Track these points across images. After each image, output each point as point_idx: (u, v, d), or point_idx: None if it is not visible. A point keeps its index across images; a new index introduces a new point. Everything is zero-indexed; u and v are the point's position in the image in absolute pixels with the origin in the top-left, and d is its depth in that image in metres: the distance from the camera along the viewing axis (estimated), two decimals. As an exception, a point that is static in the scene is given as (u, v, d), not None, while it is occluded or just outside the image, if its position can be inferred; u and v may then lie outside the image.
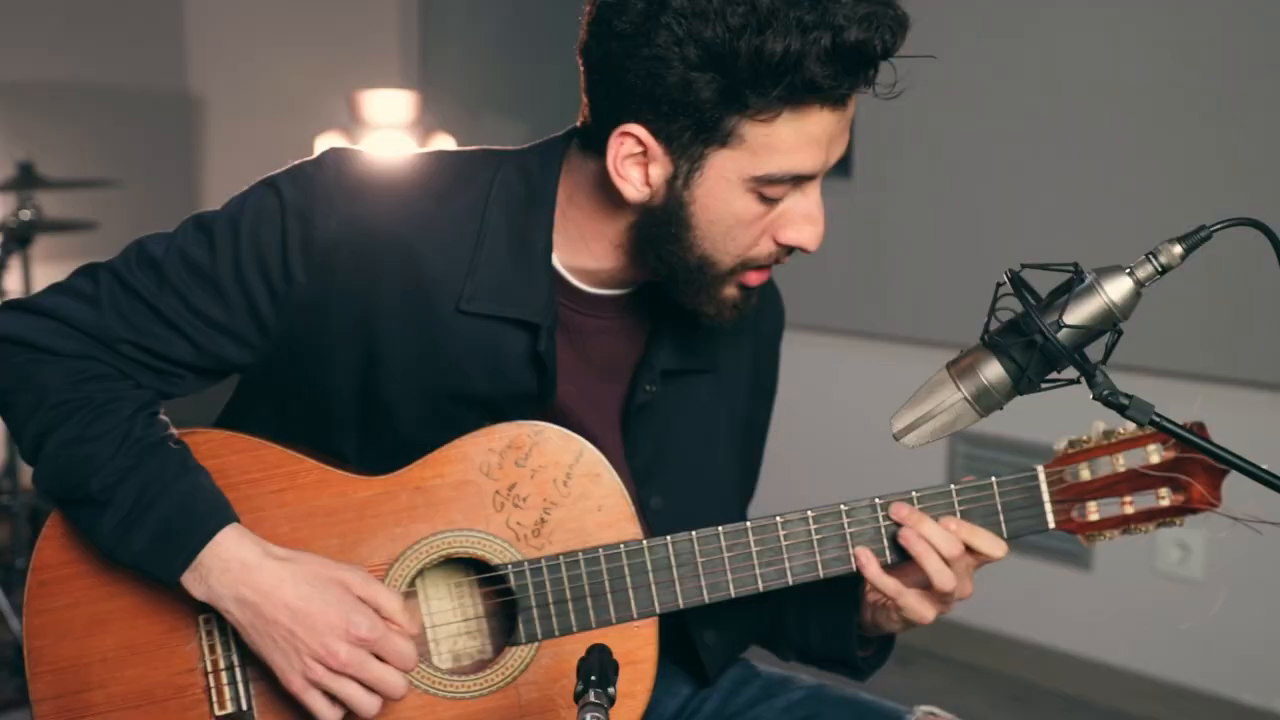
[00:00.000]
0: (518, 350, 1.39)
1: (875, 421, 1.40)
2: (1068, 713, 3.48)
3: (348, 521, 1.38)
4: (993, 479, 1.43)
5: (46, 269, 4.51)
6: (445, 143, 4.38)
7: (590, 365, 1.45)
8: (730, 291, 1.36)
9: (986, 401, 1.31)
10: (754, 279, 1.37)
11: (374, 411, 1.41)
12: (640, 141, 1.29)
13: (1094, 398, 1.27)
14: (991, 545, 1.39)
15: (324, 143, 4.39)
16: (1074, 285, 1.28)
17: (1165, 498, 1.42)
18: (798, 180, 1.30)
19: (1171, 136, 3.23)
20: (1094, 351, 1.30)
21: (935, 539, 1.38)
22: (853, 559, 1.40)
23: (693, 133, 1.27)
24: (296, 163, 1.41)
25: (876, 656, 1.56)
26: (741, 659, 1.64)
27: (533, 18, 5.05)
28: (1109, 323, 1.26)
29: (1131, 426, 1.42)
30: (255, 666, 1.37)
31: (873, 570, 1.39)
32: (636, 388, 1.46)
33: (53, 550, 1.39)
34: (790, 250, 1.35)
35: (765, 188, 1.29)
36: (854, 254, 3.84)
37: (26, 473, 4.48)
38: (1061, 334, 1.26)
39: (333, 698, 1.32)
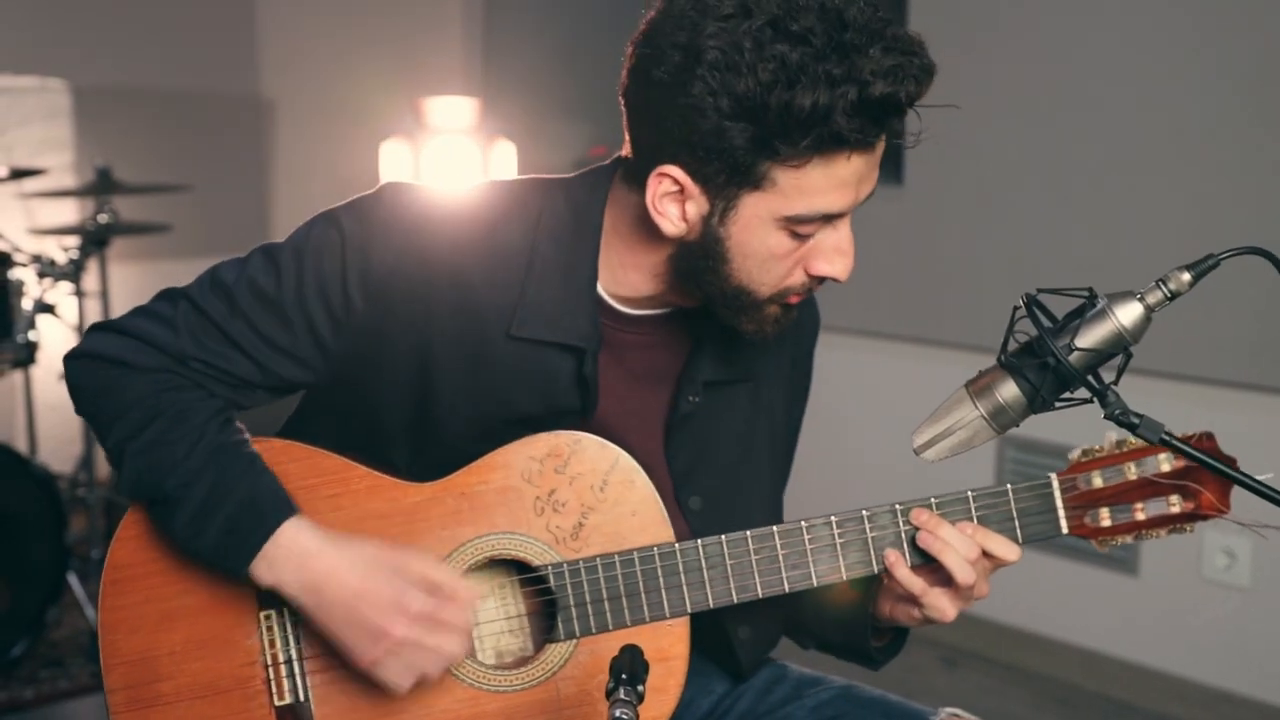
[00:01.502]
0: (564, 373, 1.48)
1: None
2: (1112, 717, 3.50)
3: (398, 525, 1.46)
4: (1008, 486, 1.49)
5: (122, 269, 4.69)
6: (506, 148, 4.48)
7: (633, 378, 1.53)
8: (771, 310, 1.44)
9: (1003, 420, 1.37)
10: (794, 300, 1.44)
11: (425, 429, 1.49)
12: (677, 181, 1.36)
13: (1105, 417, 1.32)
14: (1005, 549, 1.46)
15: (389, 148, 4.50)
16: (1086, 310, 1.33)
17: (1176, 504, 1.48)
18: (828, 218, 1.37)
19: (1222, 149, 3.24)
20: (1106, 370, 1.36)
21: (954, 542, 1.45)
22: (874, 562, 1.47)
23: (726, 175, 1.33)
24: (355, 197, 1.50)
25: (890, 647, 1.62)
26: (774, 660, 1.71)
27: (593, 25, 5.11)
28: (1119, 346, 1.32)
29: None
30: (314, 659, 1.46)
31: (902, 571, 1.46)
32: (680, 398, 1.53)
33: (126, 551, 1.48)
34: (822, 280, 1.42)
35: (797, 226, 1.36)
36: (905, 260, 3.88)
37: (102, 467, 4.66)
38: (1074, 356, 1.31)
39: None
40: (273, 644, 1.47)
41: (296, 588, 1.40)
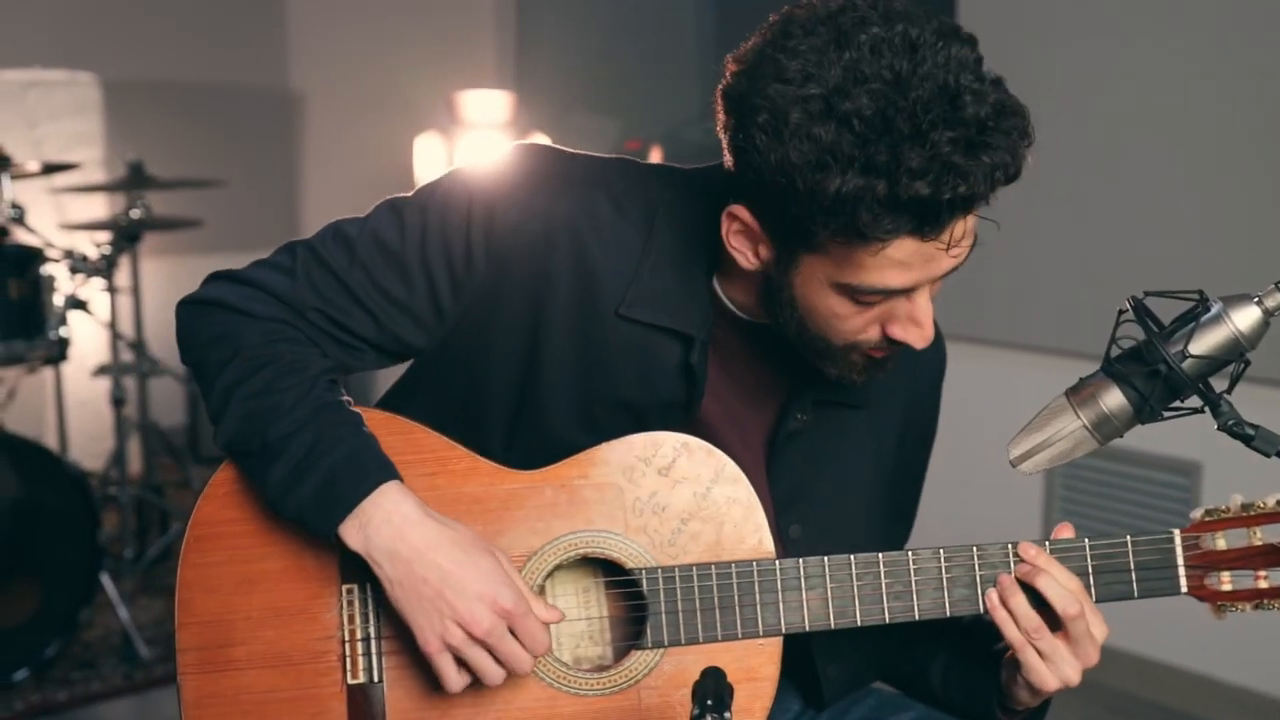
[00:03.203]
0: (670, 360, 1.43)
1: (975, 423, 1.39)
2: (1167, 726, 3.44)
3: (492, 511, 1.42)
4: (1128, 538, 1.41)
5: (154, 265, 4.66)
6: (541, 142, 4.42)
7: (739, 387, 1.47)
8: (855, 358, 1.36)
9: (1107, 430, 1.30)
10: (877, 354, 1.36)
11: (526, 405, 1.45)
12: (745, 223, 1.32)
13: (1218, 428, 1.25)
14: (1060, 596, 1.35)
15: (422, 142, 4.45)
16: (1199, 314, 1.26)
17: None
18: (890, 294, 1.28)
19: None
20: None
21: (1059, 576, 1.36)
22: (980, 600, 1.39)
23: (783, 232, 1.29)
24: (487, 157, 1.47)
25: None
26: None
27: (626, 19, 5.06)
28: (1235, 353, 1.24)
29: (1272, 501, 1.38)
30: (392, 640, 1.41)
31: (1001, 614, 1.37)
32: (788, 415, 1.47)
33: (213, 508, 1.44)
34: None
35: (855, 294, 1.29)
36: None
37: (134, 464, 4.62)
38: (1186, 364, 1.24)
39: (462, 665, 1.34)
40: (351, 619, 1.42)
41: (385, 555, 1.33)
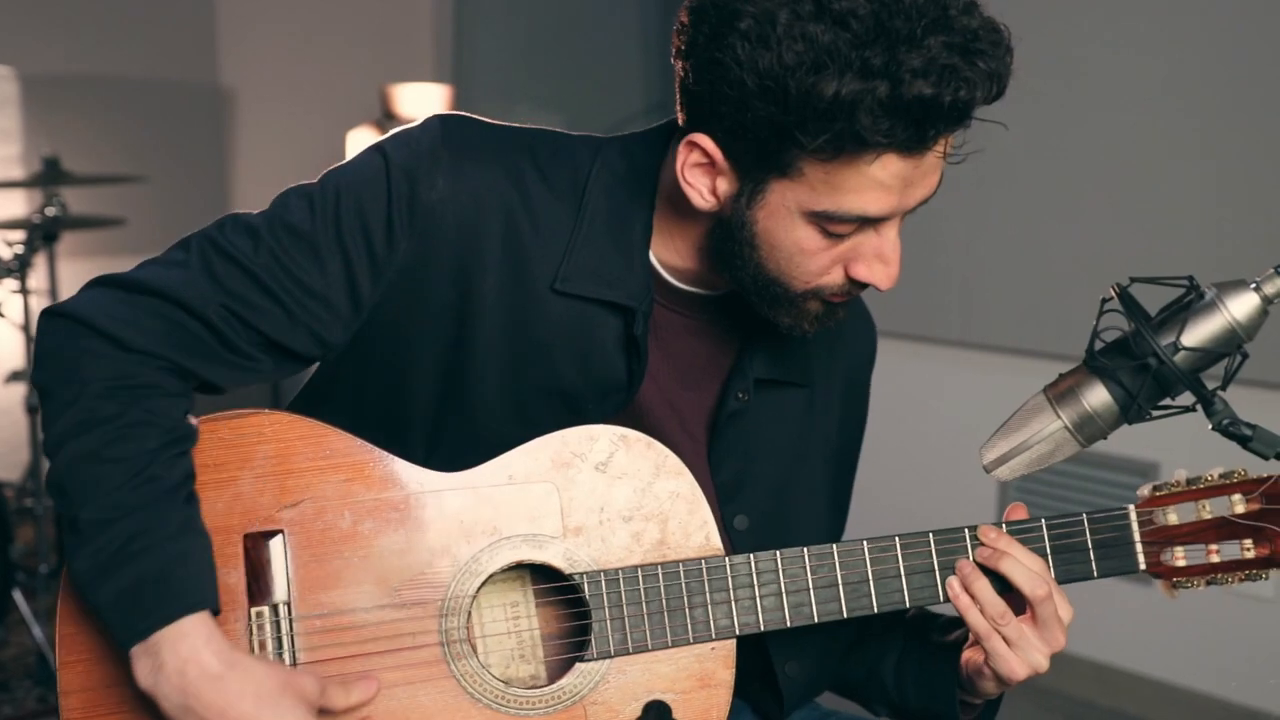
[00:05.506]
0: (609, 335, 1.35)
1: (928, 424, 1.28)
2: (1126, 733, 3.38)
3: (414, 519, 1.31)
4: (1083, 515, 1.34)
5: (72, 265, 4.46)
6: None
7: (675, 369, 1.40)
8: (812, 305, 1.30)
9: (1090, 430, 1.20)
10: (836, 299, 1.29)
11: (452, 396, 1.35)
12: (707, 153, 1.25)
13: (1213, 428, 1.16)
14: (1027, 577, 1.30)
15: (355, 137, 4.31)
16: (1191, 302, 1.15)
17: (1250, 549, 1.32)
18: (864, 221, 1.22)
19: (1251, 140, 3.09)
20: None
21: (1022, 558, 1.30)
22: (940, 589, 1.32)
23: (754, 156, 1.22)
24: (401, 128, 1.36)
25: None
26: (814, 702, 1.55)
27: (565, 11, 4.95)
28: (1232, 344, 1.14)
29: (1216, 474, 1.32)
30: (308, 666, 1.28)
31: (964, 601, 1.30)
32: (728, 395, 1.40)
33: None
34: (863, 285, 1.27)
35: (827, 224, 1.22)
36: (917, 255, 3.72)
37: (51, 475, 4.38)
38: (1179, 356, 1.13)
39: None
40: (262, 645, 1.28)
41: (176, 709, 1.19)
